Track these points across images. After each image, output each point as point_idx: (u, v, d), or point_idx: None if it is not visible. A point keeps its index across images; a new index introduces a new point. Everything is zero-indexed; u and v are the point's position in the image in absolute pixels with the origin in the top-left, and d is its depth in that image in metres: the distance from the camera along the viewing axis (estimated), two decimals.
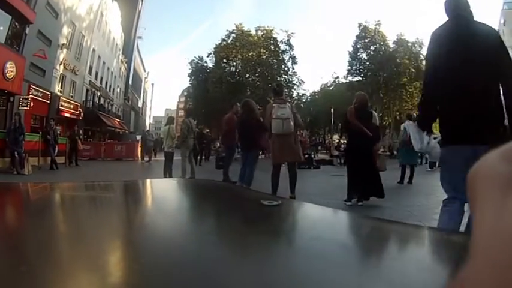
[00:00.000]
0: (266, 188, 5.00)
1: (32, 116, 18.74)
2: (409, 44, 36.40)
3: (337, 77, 42.24)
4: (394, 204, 5.28)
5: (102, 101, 32.82)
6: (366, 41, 37.72)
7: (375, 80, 34.91)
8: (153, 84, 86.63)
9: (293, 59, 39.23)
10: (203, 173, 9.95)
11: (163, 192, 1.29)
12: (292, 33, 39.00)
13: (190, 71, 40.90)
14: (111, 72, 36.42)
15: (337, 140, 28.32)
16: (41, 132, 12.54)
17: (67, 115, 23.08)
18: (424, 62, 28.98)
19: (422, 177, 8.85)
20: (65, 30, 22.75)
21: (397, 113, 35.43)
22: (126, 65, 44.04)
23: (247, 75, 38.24)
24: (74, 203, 1.09)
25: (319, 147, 31.16)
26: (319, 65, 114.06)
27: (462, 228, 2.23)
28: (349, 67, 38.62)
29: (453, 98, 2.35)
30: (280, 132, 5.26)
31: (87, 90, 28.55)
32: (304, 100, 42.44)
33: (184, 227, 0.77)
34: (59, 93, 22.38)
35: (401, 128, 9.23)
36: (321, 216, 0.93)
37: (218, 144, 20.28)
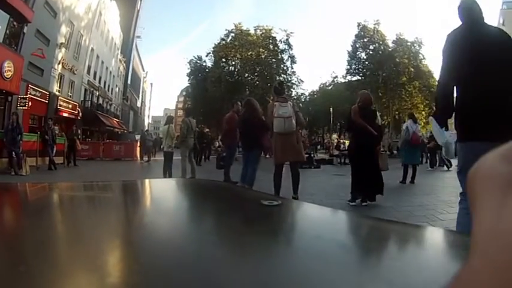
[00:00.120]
0: (267, 188, 4.95)
1: (30, 115, 18.66)
2: (408, 44, 36.45)
3: (336, 77, 42.32)
4: (396, 205, 5.24)
5: (100, 101, 32.75)
6: (365, 40, 37.76)
7: (374, 79, 34.93)
8: (151, 84, 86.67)
9: (292, 58, 39.27)
10: (203, 173, 9.89)
11: (162, 192, 1.29)
12: (291, 32, 39.02)
13: (189, 70, 40.92)
14: (110, 72, 36.34)
15: (337, 140, 28.30)
16: (39, 132, 12.46)
17: (65, 115, 23.01)
18: (423, 62, 28.75)
19: (423, 177, 8.84)
20: (64, 29, 22.66)
21: (396, 113, 35.48)
22: (124, 64, 43.96)
23: (246, 74, 38.24)
24: (73, 203, 1.09)
25: (318, 147, 31.14)
26: (318, 65, 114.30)
27: None
28: (348, 66, 38.66)
29: (477, 96, 2.45)
30: (282, 131, 5.18)
31: (85, 90, 28.47)
32: (303, 100, 42.39)
33: (184, 227, 0.77)
34: (57, 93, 22.31)
35: (403, 127, 9.19)
36: (321, 216, 0.94)
37: (217, 144, 20.21)
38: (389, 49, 36.54)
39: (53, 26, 20.88)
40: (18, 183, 1.63)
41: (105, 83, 34.37)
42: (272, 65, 38.03)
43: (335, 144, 21.60)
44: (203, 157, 15.36)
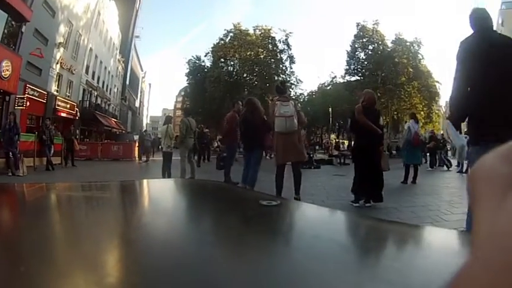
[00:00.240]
0: (269, 189, 4.89)
1: (28, 115, 18.59)
2: (408, 44, 36.55)
3: (335, 77, 42.30)
4: (399, 205, 5.20)
5: (99, 101, 32.67)
6: (364, 40, 37.86)
7: (372, 79, 34.97)
8: (150, 84, 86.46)
9: (291, 58, 39.36)
10: (203, 173, 9.81)
11: (161, 192, 1.29)
12: (290, 32, 39.08)
13: (188, 70, 40.96)
14: (108, 72, 36.27)
15: (335, 140, 28.27)
16: (36, 132, 12.37)
17: (64, 115, 22.93)
18: (422, 62, 28.95)
19: (423, 177, 8.85)
20: (62, 28, 22.58)
21: (395, 113, 35.49)
22: (123, 64, 43.89)
23: (245, 74, 38.28)
24: (71, 203, 1.09)
25: (317, 147, 31.11)
26: (316, 65, 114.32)
27: None
28: (347, 67, 38.78)
29: (489, 101, 2.61)
30: (284, 131, 5.10)
31: (84, 90, 28.39)
32: (301, 100, 42.36)
33: (183, 227, 0.77)
34: (55, 93, 22.23)
35: (405, 127, 9.16)
36: (319, 217, 0.94)
37: (216, 144, 20.14)
38: (388, 49, 36.65)
39: (51, 25, 20.81)
40: (15, 184, 1.66)
41: (103, 83, 34.30)
42: (271, 65, 38.09)
43: (334, 144, 21.59)
44: (202, 158, 15.22)
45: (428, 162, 14.25)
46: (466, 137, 3.31)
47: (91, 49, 28.83)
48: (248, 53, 37.44)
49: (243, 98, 8.39)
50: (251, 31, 39.10)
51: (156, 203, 1.09)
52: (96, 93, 31.42)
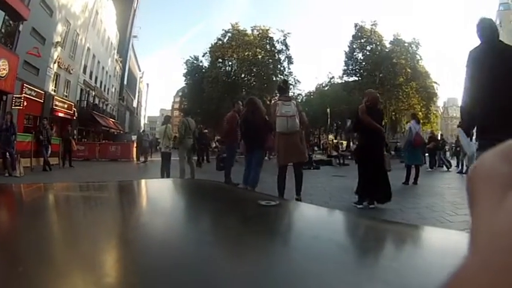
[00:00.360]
0: (271, 190, 4.81)
1: (25, 115, 18.47)
2: (406, 44, 36.60)
3: (333, 77, 42.27)
4: (403, 206, 5.14)
5: (96, 101, 32.56)
6: (362, 41, 37.93)
7: (371, 80, 35.01)
8: (148, 84, 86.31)
9: (289, 58, 39.34)
10: (203, 174, 9.73)
11: (160, 193, 1.28)
12: (288, 33, 39.10)
13: (186, 70, 40.92)
14: (106, 72, 36.14)
15: (332, 140, 28.25)
16: (33, 132, 12.24)
17: (61, 115, 22.80)
18: (420, 63, 29.30)
19: (424, 178, 8.86)
20: (60, 28, 22.47)
21: (393, 113, 35.52)
22: (121, 64, 43.77)
23: (243, 75, 38.22)
24: (69, 203, 1.08)
25: (315, 148, 31.06)
26: (314, 65, 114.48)
27: None
28: (345, 67, 38.80)
29: (497, 108, 2.76)
30: (285, 131, 5.01)
31: (81, 90, 28.28)
32: (299, 100, 42.31)
33: (181, 227, 0.77)
34: (53, 93, 22.12)
35: (406, 128, 9.15)
36: (318, 217, 0.94)
37: (214, 145, 20.08)
38: (387, 50, 36.73)
39: (49, 24, 20.70)
40: (12, 184, 1.62)
41: (101, 82, 34.19)
42: (269, 66, 38.07)
43: (334, 145, 21.56)
44: (201, 158, 15.04)
45: (427, 162, 14.21)
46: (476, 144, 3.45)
47: (89, 49, 28.72)
48: (246, 53, 37.41)
49: (243, 98, 8.30)
50: (249, 31, 39.13)
51: (154, 203, 1.09)
52: (93, 93, 31.29)
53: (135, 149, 18.53)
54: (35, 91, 19.12)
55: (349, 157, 17.86)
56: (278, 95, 6.07)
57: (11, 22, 16.84)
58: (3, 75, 15.52)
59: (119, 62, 42.51)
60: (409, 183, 8.04)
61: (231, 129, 6.85)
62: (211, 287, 0.40)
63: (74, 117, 24.59)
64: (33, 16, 17.70)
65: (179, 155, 7.86)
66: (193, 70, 40.22)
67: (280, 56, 39.06)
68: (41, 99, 20.00)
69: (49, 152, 11.77)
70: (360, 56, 38.33)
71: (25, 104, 17.23)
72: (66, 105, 23.78)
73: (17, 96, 16.93)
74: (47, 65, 20.88)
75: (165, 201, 1.10)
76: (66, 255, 0.52)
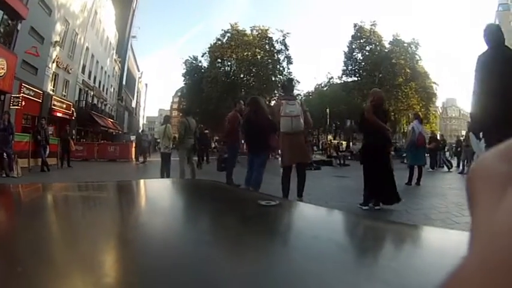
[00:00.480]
0: (273, 191, 4.72)
1: (23, 115, 18.36)
2: (405, 45, 36.61)
3: (332, 78, 42.25)
4: (408, 207, 5.06)
5: (95, 101, 32.46)
6: (362, 41, 37.94)
7: (370, 80, 35.01)
8: (146, 85, 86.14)
9: (288, 59, 39.20)
10: (203, 175, 9.62)
11: (159, 192, 1.28)
12: (287, 33, 38.98)
13: (185, 70, 40.79)
14: (105, 72, 36.06)
15: (331, 141, 28.18)
16: (31, 132, 12.13)
17: (59, 115, 22.70)
18: (419, 63, 29.48)
19: (425, 178, 8.80)
20: (58, 27, 22.39)
21: (392, 114, 35.46)
22: (119, 64, 43.66)
23: (242, 75, 38.14)
24: (68, 203, 1.08)
25: (315, 148, 31.03)
26: (313, 65, 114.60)
27: None
28: (345, 67, 38.79)
29: (505, 110, 2.90)
30: (290, 131, 4.92)
31: (80, 90, 28.17)
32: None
33: (181, 227, 0.77)
34: (51, 92, 22.02)
35: (409, 128, 9.07)
36: (318, 216, 0.94)
37: (213, 145, 20.01)
38: (386, 50, 36.74)
39: (47, 23, 20.62)
40: (10, 184, 1.66)
41: (100, 82, 34.08)
42: (268, 66, 37.96)
43: (335, 145, 21.51)
44: (202, 159, 14.89)
45: (428, 163, 14.17)
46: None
47: (87, 48, 28.63)
48: (245, 54, 37.33)
49: (244, 98, 8.19)
50: (248, 31, 39.05)
51: (153, 203, 1.08)
52: (92, 93, 31.19)
53: (134, 149, 18.45)
54: (33, 91, 19.03)
55: (349, 157, 17.83)
56: (282, 93, 5.97)
57: (9, 21, 16.74)
58: (1, 75, 15.44)
59: (117, 62, 42.41)
60: (411, 183, 8.00)
61: (232, 128, 6.72)
62: (211, 287, 0.40)
63: (73, 117, 24.51)
64: (31, 15, 17.62)
65: (179, 156, 7.72)
66: (193, 70, 40.13)
67: (279, 56, 38.98)
68: (39, 99, 19.90)
69: (47, 152, 11.66)
70: (359, 56, 38.33)
71: (23, 103, 17.13)
72: (64, 105, 23.69)
73: (15, 96, 16.84)
74: (45, 65, 20.79)
75: (164, 201, 1.10)
76: (65, 256, 0.52)
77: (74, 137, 18.66)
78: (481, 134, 3.37)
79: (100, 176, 10.49)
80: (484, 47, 3.20)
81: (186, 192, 1.33)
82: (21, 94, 17.38)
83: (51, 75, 22.02)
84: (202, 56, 40.19)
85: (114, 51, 39.99)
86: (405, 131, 33.95)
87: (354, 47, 38.26)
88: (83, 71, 28.44)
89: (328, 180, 9.58)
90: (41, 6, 19.75)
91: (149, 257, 0.51)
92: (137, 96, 66.95)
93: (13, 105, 16.38)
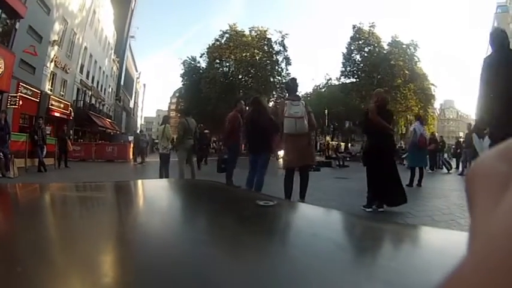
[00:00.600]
0: (276, 193, 4.63)
1: (20, 115, 18.27)
2: (404, 46, 36.65)
3: (330, 79, 42.21)
4: (411, 209, 4.99)
5: (93, 101, 32.34)
6: (360, 42, 37.97)
7: (368, 81, 35.06)
8: (144, 85, 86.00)
9: (287, 60, 39.17)
10: (203, 176, 9.48)
11: (158, 193, 1.28)
12: (286, 34, 38.98)
13: (183, 71, 40.72)
14: (103, 72, 35.96)
15: (330, 142, 28.16)
16: (28, 132, 12.02)
17: (57, 114, 22.60)
18: (418, 64, 29.62)
19: (426, 180, 8.78)
20: (57, 26, 22.30)
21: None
22: (118, 64, 43.57)
23: (241, 76, 38.11)
24: (67, 204, 1.08)
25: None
26: (312, 66, 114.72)
27: None
28: (343, 68, 38.81)
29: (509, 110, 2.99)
30: (294, 132, 4.84)
31: (78, 89, 28.08)
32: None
33: (179, 227, 0.77)
34: (49, 92, 21.92)
35: (411, 129, 9.05)
36: (316, 216, 0.94)
37: (212, 146, 19.92)
38: (385, 51, 36.78)
39: (46, 22, 20.52)
40: (8, 184, 1.67)
41: (98, 82, 33.97)
42: (266, 67, 37.92)
43: (335, 146, 21.51)
44: (201, 160, 14.75)
45: (428, 164, 14.16)
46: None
47: (86, 48, 28.55)
48: (244, 54, 37.32)
49: (243, 99, 8.11)
50: (247, 32, 39.04)
51: (152, 203, 1.08)
52: (90, 93, 31.10)
53: (132, 150, 18.35)
54: (31, 90, 18.92)
55: (348, 158, 17.81)
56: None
57: (7, 20, 16.64)
58: None
59: (116, 62, 42.31)
60: (413, 185, 7.97)
61: (232, 129, 6.61)
62: (210, 287, 0.40)
63: (70, 117, 24.40)
64: (30, 14, 17.54)
65: (178, 157, 7.64)
66: (191, 71, 40.08)
67: (278, 57, 38.97)
68: (36, 98, 19.79)
69: (44, 152, 11.55)
70: (357, 57, 38.37)
71: (21, 103, 17.04)
72: (62, 105, 23.59)
73: (13, 95, 16.75)
74: (43, 64, 20.68)
75: (163, 202, 1.10)
76: (63, 256, 0.52)
77: (71, 137, 18.54)
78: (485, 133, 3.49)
79: (98, 176, 10.42)
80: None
81: (185, 192, 1.33)
82: (19, 93, 17.29)
83: (49, 75, 21.91)
84: (200, 57, 40.23)
85: (113, 51, 39.88)
86: (403, 132, 34.03)
87: (352, 48, 38.29)
88: (81, 71, 28.34)
89: (328, 181, 9.53)
90: (40, 5, 19.67)
91: (148, 257, 0.50)
92: (135, 96, 66.86)
93: (10, 105, 16.29)
